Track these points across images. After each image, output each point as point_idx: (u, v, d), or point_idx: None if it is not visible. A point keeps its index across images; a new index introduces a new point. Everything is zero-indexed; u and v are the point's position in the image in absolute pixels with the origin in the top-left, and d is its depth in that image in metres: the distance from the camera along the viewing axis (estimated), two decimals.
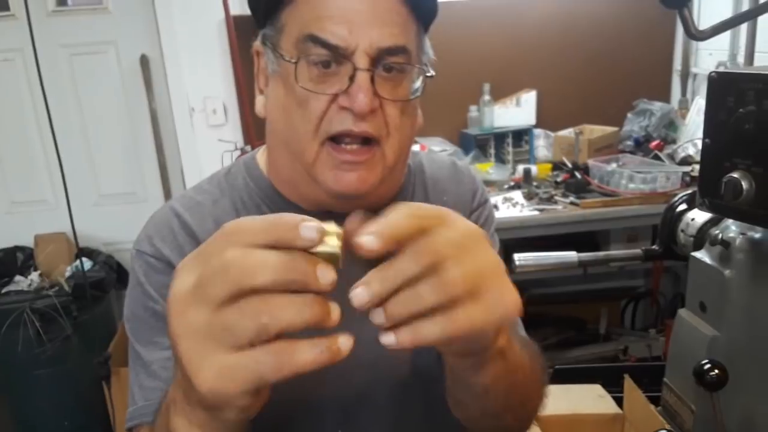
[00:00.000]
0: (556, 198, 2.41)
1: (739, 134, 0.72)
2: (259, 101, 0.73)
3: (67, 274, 2.40)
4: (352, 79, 0.63)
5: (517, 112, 2.74)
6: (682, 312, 0.95)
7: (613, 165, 2.45)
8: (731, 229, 0.88)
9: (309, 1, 0.64)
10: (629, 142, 2.67)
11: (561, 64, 2.76)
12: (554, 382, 1.35)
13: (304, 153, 0.67)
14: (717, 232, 0.90)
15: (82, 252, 2.41)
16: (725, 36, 2.44)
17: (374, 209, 0.77)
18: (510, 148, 2.75)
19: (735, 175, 0.72)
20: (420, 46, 0.70)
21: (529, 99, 2.73)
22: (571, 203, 2.36)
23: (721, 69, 0.76)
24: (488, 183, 2.57)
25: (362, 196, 0.67)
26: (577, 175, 2.49)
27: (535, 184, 2.55)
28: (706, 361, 0.80)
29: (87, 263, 2.39)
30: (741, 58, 2.31)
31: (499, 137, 2.75)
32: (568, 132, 2.67)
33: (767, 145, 0.70)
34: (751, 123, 0.71)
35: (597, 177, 2.46)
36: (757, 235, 0.83)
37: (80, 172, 2.63)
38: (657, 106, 2.71)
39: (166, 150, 2.66)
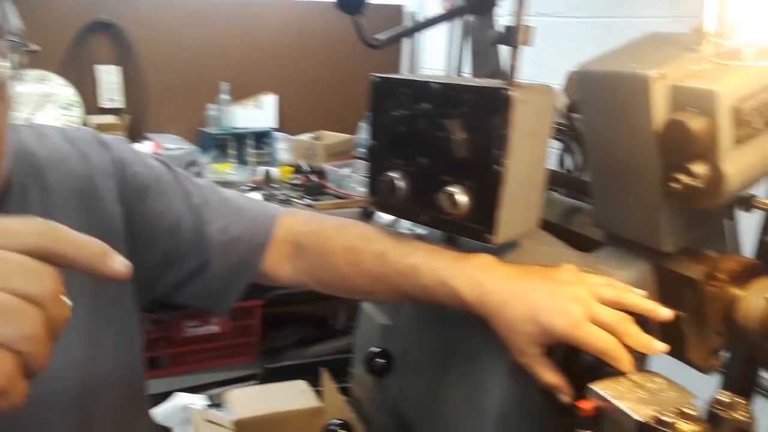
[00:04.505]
0: (293, 200, 2.45)
1: (394, 136, 0.78)
2: None
3: None
4: None
5: (257, 113, 2.73)
6: (364, 303, 1.00)
7: (347, 170, 2.57)
8: (401, 222, 0.95)
9: None
10: (362, 149, 2.84)
11: (300, 70, 2.82)
12: (263, 382, 1.36)
13: None
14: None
15: None
16: (444, 57, 2.73)
17: None
18: (251, 150, 2.73)
19: (391, 173, 0.78)
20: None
21: (269, 102, 2.74)
22: (307, 205, 2.41)
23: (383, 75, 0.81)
24: (228, 184, 2.51)
25: None
26: (314, 178, 2.57)
27: (276, 186, 2.57)
28: (373, 349, 0.85)
29: None
30: None
31: (240, 138, 2.71)
32: (306, 137, 2.74)
33: (417, 146, 0.76)
34: (404, 125, 0.77)
35: (333, 180, 2.56)
36: (421, 231, 0.91)
37: None
38: None
39: None
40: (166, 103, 2.67)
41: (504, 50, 0.84)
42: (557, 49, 1.35)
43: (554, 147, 1.00)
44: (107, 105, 2.65)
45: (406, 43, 3.02)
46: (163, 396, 1.45)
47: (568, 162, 1.02)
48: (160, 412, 1.27)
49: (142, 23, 2.59)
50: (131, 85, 2.65)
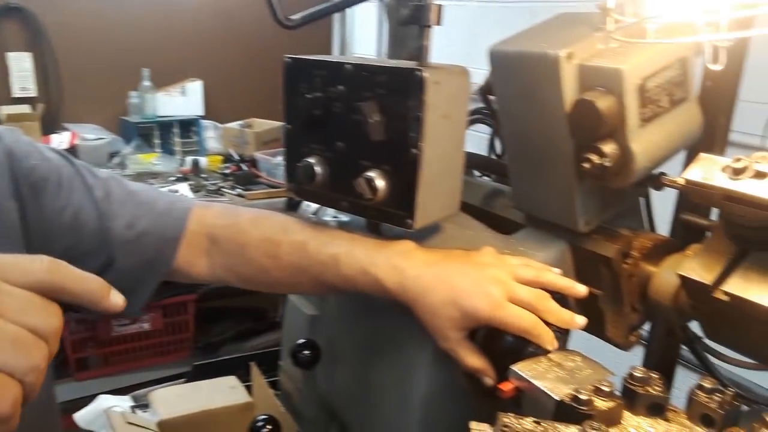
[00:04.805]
0: (224, 190, 2.38)
1: (310, 120, 0.75)
2: None
3: None
4: None
5: (183, 101, 2.63)
6: (291, 295, 0.98)
7: (279, 158, 2.52)
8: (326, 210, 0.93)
9: None
10: None
11: (226, 56, 2.74)
12: (192, 380, 1.31)
13: None
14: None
15: None
16: (375, 41, 2.70)
17: None
18: (178, 139, 2.63)
19: (309, 159, 0.75)
20: None
21: (194, 88, 2.64)
22: (238, 195, 2.35)
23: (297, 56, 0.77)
24: (153, 174, 2.42)
25: None
26: (245, 167, 2.51)
27: (204, 176, 2.49)
28: (299, 341, 0.83)
29: None
30: None
31: (165, 126, 2.60)
32: (236, 124, 2.66)
33: (334, 130, 0.74)
34: (319, 109, 0.74)
35: (264, 169, 2.50)
36: (345, 218, 0.89)
37: None
38: None
39: None
40: (83, 91, 2.53)
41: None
42: (485, 33, 1.35)
43: (484, 131, 1.00)
44: (19, 94, 2.50)
45: (336, 27, 2.97)
46: (92, 399, 1.39)
47: (498, 146, 1.02)
48: (81, 417, 1.21)
49: (55, 7, 2.44)
50: (45, 72, 2.50)
